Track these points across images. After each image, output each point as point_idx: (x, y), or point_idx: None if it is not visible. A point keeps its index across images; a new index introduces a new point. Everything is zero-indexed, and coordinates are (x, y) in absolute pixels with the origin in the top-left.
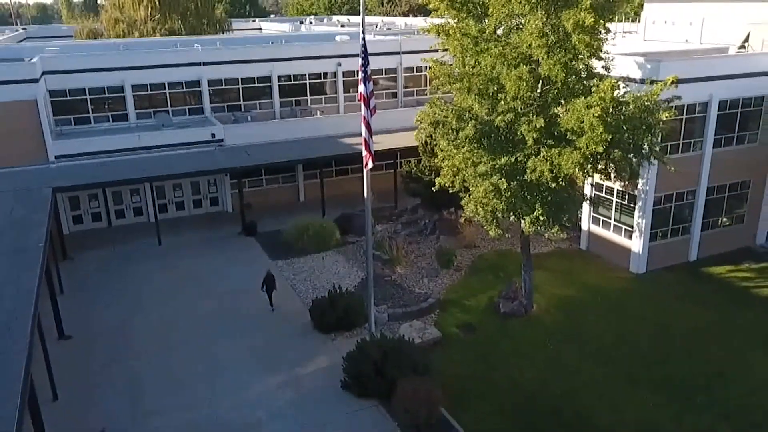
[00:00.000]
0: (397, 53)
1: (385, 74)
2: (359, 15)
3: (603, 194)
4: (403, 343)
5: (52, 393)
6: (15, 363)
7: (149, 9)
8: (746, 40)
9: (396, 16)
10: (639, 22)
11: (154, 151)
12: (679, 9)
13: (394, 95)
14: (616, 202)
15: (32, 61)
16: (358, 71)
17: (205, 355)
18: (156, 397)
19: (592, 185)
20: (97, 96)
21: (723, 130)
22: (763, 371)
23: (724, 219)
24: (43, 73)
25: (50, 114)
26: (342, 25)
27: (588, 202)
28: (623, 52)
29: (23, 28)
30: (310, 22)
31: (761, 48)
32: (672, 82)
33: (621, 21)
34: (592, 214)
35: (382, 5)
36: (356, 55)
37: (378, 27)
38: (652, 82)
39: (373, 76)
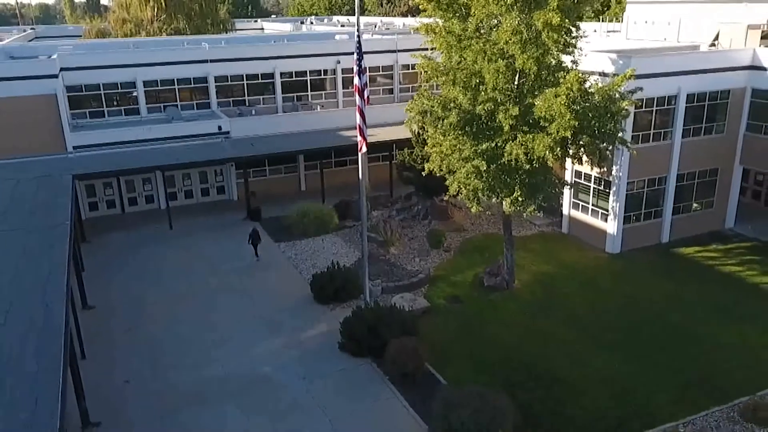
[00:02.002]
0: (394, 51)
1: (383, 71)
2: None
3: (582, 181)
4: (394, 309)
5: (80, 352)
6: (56, 321)
7: (155, 9)
8: (716, 38)
9: (395, 16)
10: (622, 22)
11: (165, 142)
12: (658, 10)
13: (391, 91)
14: (594, 187)
15: (52, 58)
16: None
17: (214, 322)
18: (172, 357)
19: (572, 172)
20: (110, 91)
21: (692, 121)
22: (716, 335)
23: (695, 204)
24: (61, 69)
25: (67, 107)
26: (342, 25)
27: (565, 186)
28: (606, 49)
29: (32, 28)
30: (311, 22)
31: (729, 45)
32: (630, 76)
33: (606, 21)
34: (572, 200)
35: (381, 6)
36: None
37: (377, 27)
38: (614, 75)
39: (371, 74)
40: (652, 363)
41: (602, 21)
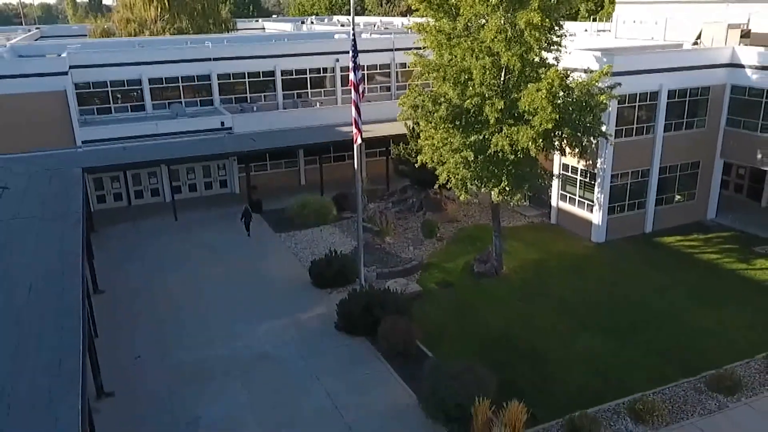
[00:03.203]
0: (391, 50)
1: (380, 69)
2: (358, 15)
3: (569, 173)
4: (387, 292)
5: (94, 332)
6: (74, 303)
7: (159, 9)
8: (699, 36)
9: (394, 16)
10: (612, 21)
11: (170, 137)
12: (646, 10)
13: (388, 89)
14: (580, 180)
15: (62, 56)
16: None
17: (218, 306)
18: (177, 337)
19: (559, 165)
20: (117, 88)
21: (673, 116)
22: (695, 319)
23: (677, 196)
24: (70, 67)
25: (76, 104)
26: (342, 25)
27: (551, 178)
28: (594, 47)
29: (37, 28)
30: (312, 22)
31: (711, 44)
32: (606, 72)
33: (599, 21)
34: (560, 191)
35: (381, 6)
36: None
37: (376, 26)
38: (592, 72)
39: (369, 72)
40: (633, 344)
41: (596, 20)
